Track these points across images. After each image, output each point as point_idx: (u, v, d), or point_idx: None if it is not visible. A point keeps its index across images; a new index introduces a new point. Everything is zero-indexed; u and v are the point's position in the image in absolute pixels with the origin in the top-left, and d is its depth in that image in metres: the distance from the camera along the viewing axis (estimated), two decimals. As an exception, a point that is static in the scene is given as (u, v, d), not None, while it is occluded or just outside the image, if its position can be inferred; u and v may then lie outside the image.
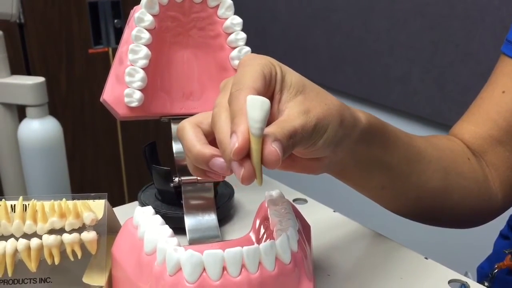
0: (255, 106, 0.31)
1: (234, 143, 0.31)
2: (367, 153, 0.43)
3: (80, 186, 1.61)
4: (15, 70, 1.16)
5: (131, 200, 0.65)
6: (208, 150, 0.34)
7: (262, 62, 0.36)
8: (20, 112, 1.17)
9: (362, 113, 0.42)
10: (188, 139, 0.35)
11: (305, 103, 0.36)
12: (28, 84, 1.10)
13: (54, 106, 1.41)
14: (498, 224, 0.68)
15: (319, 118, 0.35)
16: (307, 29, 1.50)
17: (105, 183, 1.71)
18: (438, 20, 1.15)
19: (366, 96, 1.37)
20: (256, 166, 0.32)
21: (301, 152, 0.37)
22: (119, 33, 1.63)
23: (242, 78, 0.34)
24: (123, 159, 1.72)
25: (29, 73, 1.52)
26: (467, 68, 1.12)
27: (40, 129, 1.13)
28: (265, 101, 0.31)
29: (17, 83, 1.11)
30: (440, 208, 0.52)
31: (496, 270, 0.65)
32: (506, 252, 0.65)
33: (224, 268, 0.34)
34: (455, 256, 0.98)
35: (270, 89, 0.36)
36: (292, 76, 0.37)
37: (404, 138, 0.47)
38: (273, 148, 0.31)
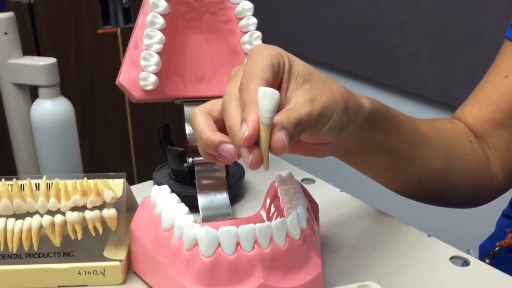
0: (266, 97, 0.33)
1: (244, 131, 0.33)
2: (370, 137, 0.45)
3: (91, 165, 1.64)
4: (25, 50, 1.17)
5: (141, 178, 0.68)
6: (217, 136, 0.36)
7: (271, 53, 0.37)
8: (32, 93, 1.20)
9: (366, 98, 0.44)
10: (198, 126, 0.37)
11: (311, 91, 0.37)
12: (40, 65, 1.12)
13: (64, 86, 1.43)
14: (500, 204, 0.70)
15: (324, 106, 0.37)
16: (315, 10, 1.50)
17: (115, 161, 1.74)
18: (447, 0, 1.16)
19: (374, 77, 1.38)
20: (263, 152, 0.34)
21: (307, 137, 0.39)
22: (127, 13, 1.64)
23: (252, 68, 0.36)
24: (132, 138, 1.75)
25: (38, 53, 1.54)
26: (474, 49, 1.13)
27: (52, 109, 1.15)
28: (275, 93, 0.33)
29: (30, 64, 1.13)
30: (442, 189, 0.54)
31: (497, 248, 0.67)
32: (508, 230, 0.66)
33: (238, 244, 0.36)
34: (458, 235, 1.00)
35: (278, 79, 0.37)
36: (299, 66, 0.38)
37: (407, 122, 0.49)
38: (280, 136, 0.33)
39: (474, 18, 1.11)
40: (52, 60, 1.14)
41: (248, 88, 0.35)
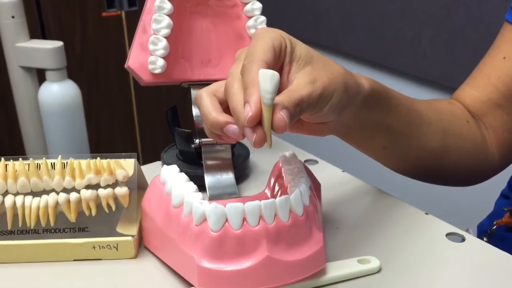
0: (266, 78, 0.35)
1: (248, 112, 0.35)
2: (369, 117, 0.47)
3: (97, 146, 1.67)
4: (31, 34, 1.19)
5: (146, 159, 0.69)
6: (223, 117, 0.38)
7: (273, 36, 0.39)
8: (39, 76, 1.21)
9: (366, 79, 0.45)
10: (204, 107, 0.39)
11: (313, 73, 0.39)
12: (48, 48, 1.14)
13: (70, 69, 1.45)
14: (499, 185, 0.72)
15: (324, 86, 0.39)
16: (319, -8, 1.50)
17: (120, 143, 1.77)
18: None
19: (377, 60, 1.39)
20: (266, 131, 0.36)
21: (309, 117, 0.41)
22: (132, -4, 1.64)
23: (254, 51, 0.38)
24: (137, 120, 1.77)
25: (44, 37, 1.55)
26: (476, 32, 1.13)
27: (59, 91, 1.17)
28: (275, 74, 0.35)
29: (37, 47, 1.15)
30: (439, 167, 0.56)
31: (494, 227, 0.69)
32: (505, 209, 0.69)
33: (244, 219, 0.38)
34: (457, 215, 1.03)
35: (279, 61, 0.39)
36: (301, 49, 0.40)
37: (406, 102, 0.50)
38: (281, 116, 0.35)
39: (477, 1, 1.12)
40: (59, 43, 1.16)
41: (249, 70, 0.36)
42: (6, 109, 1.49)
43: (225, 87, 0.38)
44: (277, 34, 0.39)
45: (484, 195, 0.84)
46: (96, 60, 1.65)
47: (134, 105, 1.75)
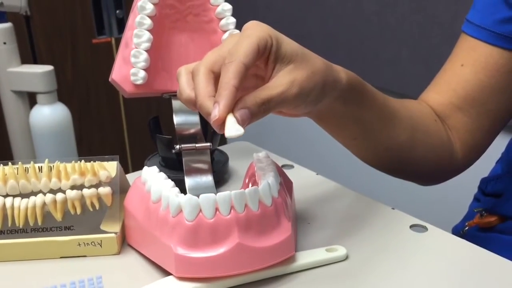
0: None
1: (215, 114, 0.38)
2: (343, 108, 0.50)
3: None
4: (22, 60, 1.23)
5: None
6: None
7: (260, 35, 0.41)
8: (30, 99, 1.25)
9: (344, 73, 0.48)
10: (181, 84, 0.43)
11: (293, 72, 0.42)
12: (38, 72, 1.18)
13: (61, 94, 1.49)
14: (474, 190, 0.76)
15: (302, 86, 0.42)
16: (301, 17, 1.56)
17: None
18: (424, 3, 1.22)
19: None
20: None
21: (285, 110, 0.44)
22: (121, 23, 1.70)
23: (237, 49, 0.40)
24: (128, 142, 1.80)
25: (35, 63, 1.59)
26: (450, 49, 1.19)
27: (50, 114, 1.21)
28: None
29: (28, 72, 1.19)
30: (406, 160, 0.59)
31: (466, 228, 0.72)
32: (475, 211, 0.72)
33: (216, 209, 0.41)
34: (435, 221, 1.06)
35: (263, 59, 0.42)
36: (287, 47, 0.42)
37: (380, 98, 0.54)
38: (238, 115, 0.39)
39: (450, 20, 1.18)
40: (49, 67, 1.20)
41: (227, 71, 0.39)
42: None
43: (193, 70, 0.42)
44: (264, 33, 0.41)
45: (460, 202, 0.87)
46: (87, 85, 1.69)
47: (124, 129, 1.78)
